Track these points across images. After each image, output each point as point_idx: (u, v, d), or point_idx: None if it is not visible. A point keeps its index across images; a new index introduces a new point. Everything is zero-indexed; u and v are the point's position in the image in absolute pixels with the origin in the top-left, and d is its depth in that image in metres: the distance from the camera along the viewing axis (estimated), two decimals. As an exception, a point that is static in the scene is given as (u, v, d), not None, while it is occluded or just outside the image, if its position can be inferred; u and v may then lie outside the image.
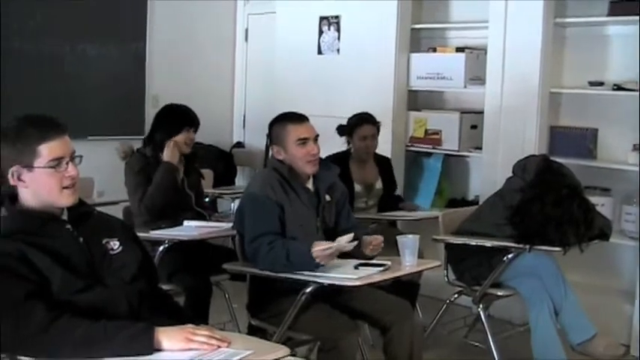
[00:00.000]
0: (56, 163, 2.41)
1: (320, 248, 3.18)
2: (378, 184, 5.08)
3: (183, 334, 2.29)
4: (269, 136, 3.63)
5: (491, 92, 5.38)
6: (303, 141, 3.50)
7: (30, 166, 2.39)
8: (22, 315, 2.22)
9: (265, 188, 3.42)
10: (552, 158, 4.41)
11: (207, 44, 7.19)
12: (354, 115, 5.02)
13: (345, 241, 3.20)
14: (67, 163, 2.43)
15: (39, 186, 2.42)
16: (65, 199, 2.44)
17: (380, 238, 3.47)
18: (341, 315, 3.35)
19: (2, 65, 5.81)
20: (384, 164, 5.15)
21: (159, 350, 2.25)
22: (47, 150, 2.39)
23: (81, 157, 2.49)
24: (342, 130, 5.02)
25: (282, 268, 3.25)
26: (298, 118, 3.57)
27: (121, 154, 4.33)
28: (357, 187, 4.93)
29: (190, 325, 2.36)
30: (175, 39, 6.86)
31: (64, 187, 2.42)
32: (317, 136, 3.55)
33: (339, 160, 4.67)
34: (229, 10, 7.41)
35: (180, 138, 4.32)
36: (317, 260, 3.17)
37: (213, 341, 2.28)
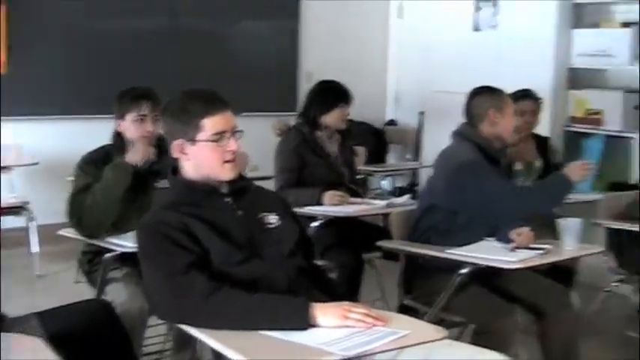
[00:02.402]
0: (218, 137, 2.44)
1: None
2: (538, 163, 4.93)
3: (340, 310, 2.27)
4: (473, 105, 3.57)
5: (660, 70, 5.12)
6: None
7: (193, 140, 2.44)
8: (184, 285, 2.27)
9: (475, 155, 3.43)
10: None
11: (361, 21, 7.17)
12: (516, 91, 4.89)
13: None
14: (229, 138, 2.46)
15: (201, 159, 2.46)
16: (226, 173, 2.47)
17: (527, 234, 3.32)
18: (497, 298, 3.28)
19: (168, 42, 6.02)
20: (543, 143, 4.99)
21: (314, 326, 2.24)
22: (210, 124, 2.43)
23: (242, 131, 2.51)
24: None
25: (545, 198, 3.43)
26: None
27: (276, 130, 4.37)
28: (517, 166, 4.81)
29: (347, 302, 2.35)
30: (329, 16, 6.88)
31: (226, 161, 2.46)
32: None
33: None
34: (384, -14, 7.36)
35: (334, 114, 4.32)
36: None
37: (369, 319, 2.25)
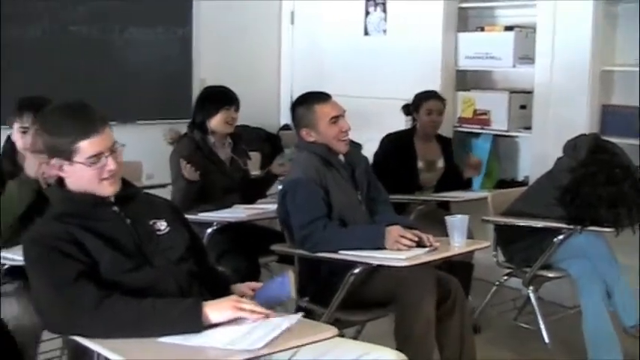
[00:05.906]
0: (95, 160, 2.39)
1: (404, 235, 3.21)
2: (440, 163, 5.08)
3: (230, 303, 2.29)
4: (293, 119, 3.62)
5: (541, 71, 5.28)
6: (335, 119, 3.52)
7: (70, 160, 2.39)
8: (74, 295, 2.24)
9: (309, 172, 3.42)
10: (603, 138, 4.34)
11: (254, 27, 7.17)
12: (421, 92, 5.04)
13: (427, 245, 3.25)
14: (107, 157, 2.41)
15: (78, 178, 2.42)
16: (105, 190, 2.44)
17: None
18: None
19: (57, 49, 5.88)
20: (446, 144, 5.15)
21: (207, 327, 2.23)
22: (85, 147, 2.37)
23: (124, 145, 2.48)
24: (407, 108, 5.06)
25: (340, 244, 3.25)
26: (324, 97, 3.57)
27: (168, 140, 4.35)
28: (420, 164, 4.94)
29: (234, 296, 2.38)
30: (222, 22, 6.85)
31: (103, 179, 2.42)
32: (344, 112, 3.56)
33: (403, 136, 4.74)
34: (275, -8, 7.38)
35: (219, 117, 4.33)
36: (391, 240, 3.19)
37: (260, 310, 2.29)
